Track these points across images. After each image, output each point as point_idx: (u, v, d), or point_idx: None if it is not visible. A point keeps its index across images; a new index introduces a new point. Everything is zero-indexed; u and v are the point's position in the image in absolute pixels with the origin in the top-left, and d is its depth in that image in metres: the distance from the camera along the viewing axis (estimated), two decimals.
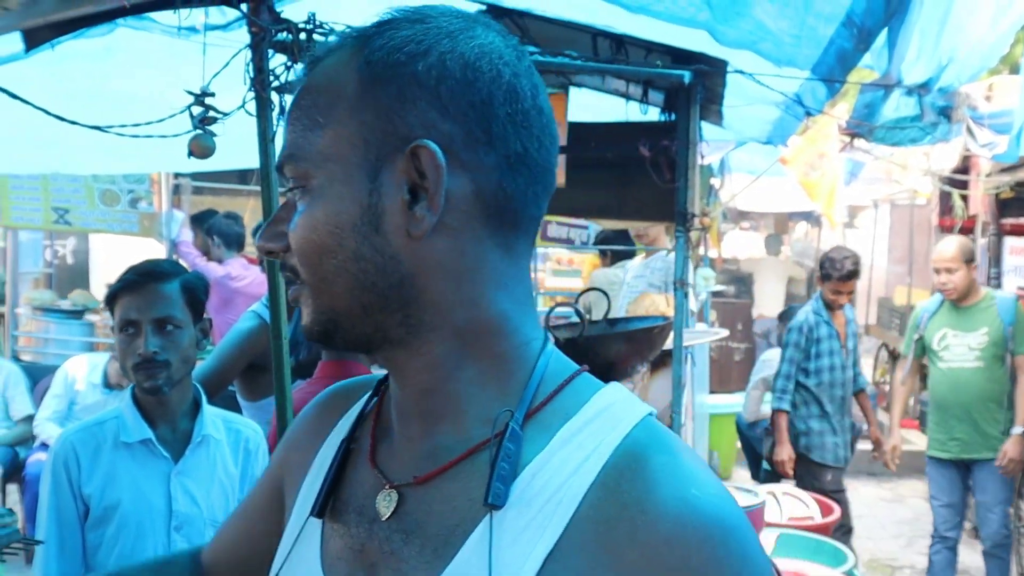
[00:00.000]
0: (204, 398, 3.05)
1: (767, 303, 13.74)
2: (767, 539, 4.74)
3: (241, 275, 7.97)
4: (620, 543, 1.02)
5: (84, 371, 6.97)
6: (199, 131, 2.45)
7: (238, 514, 1.53)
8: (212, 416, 3.03)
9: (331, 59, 1.15)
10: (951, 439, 6.67)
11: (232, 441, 3.04)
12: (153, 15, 3.70)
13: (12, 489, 7.86)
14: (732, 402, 10.07)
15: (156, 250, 8.74)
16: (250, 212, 9.73)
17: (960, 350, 6.65)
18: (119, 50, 4.42)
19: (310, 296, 1.15)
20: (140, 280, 2.90)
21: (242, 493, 3.01)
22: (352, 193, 1.10)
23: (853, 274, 6.78)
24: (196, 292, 2.95)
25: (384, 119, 1.10)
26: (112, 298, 2.93)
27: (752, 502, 4.32)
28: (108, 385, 6.92)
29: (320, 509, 1.23)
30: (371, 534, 1.17)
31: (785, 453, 6.83)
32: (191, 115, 2.46)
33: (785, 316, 9.28)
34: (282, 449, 1.45)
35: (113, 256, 12.25)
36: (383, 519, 1.16)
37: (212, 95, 2.44)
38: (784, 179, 11.35)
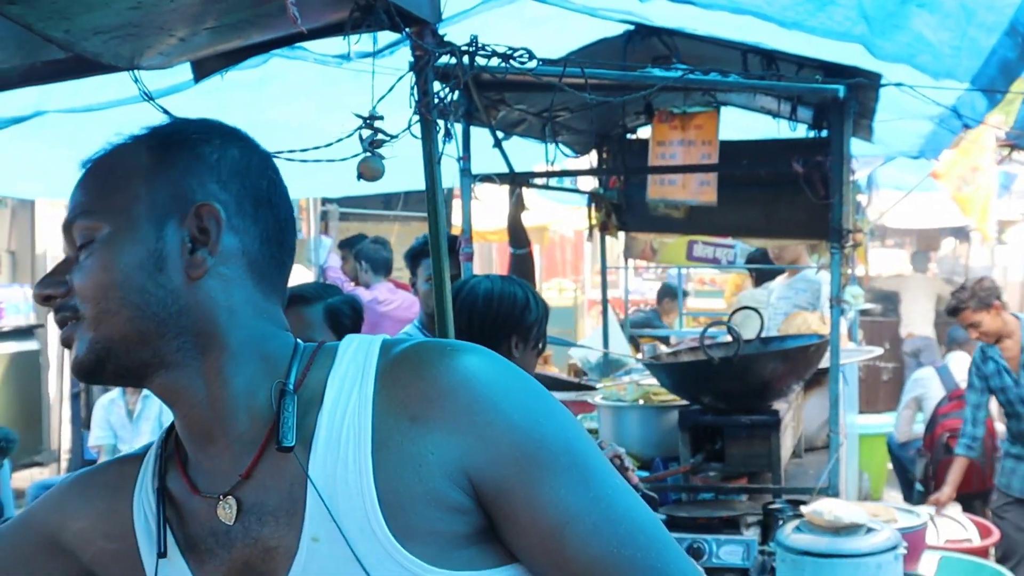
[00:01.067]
0: None
1: (916, 321, 13.37)
2: (929, 562, 4.61)
3: (388, 299, 8.06)
4: (420, 410, 1.29)
5: None
6: (368, 154, 2.49)
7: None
8: None
9: (118, 145, 1.41)
10: None
11: None
12: (306, 44, 3.78)
13: None
14: (881, 422, 9.81)
15: (305, 276, 8.90)
16: (395, 237, 9.86)
17: None
18: (273, 80, 4.55)
19: (88, 330, 1.33)
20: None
21: None
22: (139, 240, 1.34)
23: (954, 311, 6.30)
24: (340, 316, 3.00)
25: (171, 184, 1.36)
26: None
27: (914, 523, 4.21)
28: None
29: (164, 549, 1.40)
30: (230, 541, 1.37)
31: (946, 496, 6.56)
32: (360, 138, 2.50)
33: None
34: (55, 512, 1.56)
35: None
36: (231, 524, 1.36)
37: (380, 118, 2.48)
38: (931, 194, 11.10)
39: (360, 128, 2.46)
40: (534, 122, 5.08)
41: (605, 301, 7.06)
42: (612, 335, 6.92)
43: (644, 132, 5.74)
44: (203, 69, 2.59)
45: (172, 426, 1.48)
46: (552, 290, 16.33)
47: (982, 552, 5.78)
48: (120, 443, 8.07)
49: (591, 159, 6.22)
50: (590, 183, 6.25)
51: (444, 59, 2.65)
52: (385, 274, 8.32)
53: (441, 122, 2.66)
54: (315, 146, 2.54)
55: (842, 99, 4.10)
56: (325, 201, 9.33)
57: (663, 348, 7.87)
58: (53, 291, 1.36)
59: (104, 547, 1.50)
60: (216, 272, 1.36)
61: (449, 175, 4.59)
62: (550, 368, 9.91)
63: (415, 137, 2.61)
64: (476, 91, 4.18)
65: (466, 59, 2.68)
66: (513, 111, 4.66)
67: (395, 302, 8.02)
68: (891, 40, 3.54)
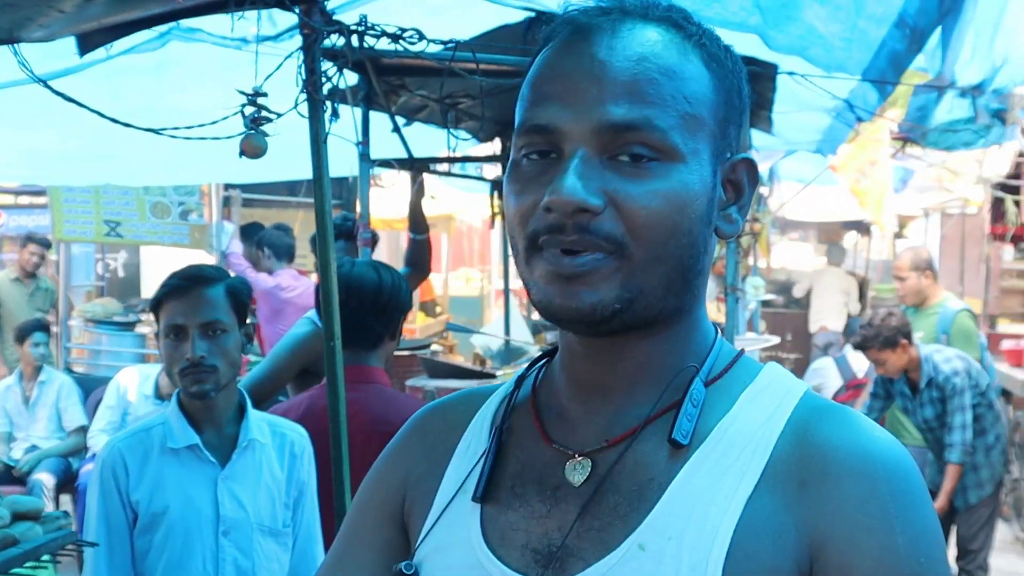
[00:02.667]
0: (249, 402, 3.04)
1: (828, 315, 13.57)
2: None
3: (291, 286, 8.00)
4: (813, 477, 1.13)
5: (136, 382, 7.02)
6: (251, 131, 2.45)
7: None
8: (257, 420, 3.02)
9: (664, 34, 1.17)
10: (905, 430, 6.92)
11: (278, 445, 3.03)
12: (205, 27, 3.72)
13: (65, 500, 7.93)
14: None
15: (207, 262, 8.80)
16: (299, 224, 9.77)
17: None
18: (172, 64, 4.47)
19: (625, 273, 1.13)
20: (186, 285, 2.90)
21: (288, 497, 3.00)
22: (705, 181, 1.16)
23: (860, 347, 6.38)
24: (241, 296, 2.95)
25: (722, 123, 1.19)
26: (157, 304, 2.92)
27: None
28: (159, 396, 6.94)
29: (484, 494, 1.25)
30: (557, 500, 1.21)
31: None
32: (243, 115, 2.47)
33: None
34: (388, 467, 1.41)
35: (164, 268, 12.35)
36: (576, 487, 1.20)
37: (265, 95, 2.45)
38: (833, 188, 11.26)
39: (244, 106, 2.43)
40: (436, 108, 5.06)
41: (507, 290, 7.09)
42: (515, 323, 6.95)
43: None
44: (87, 43, 2.54)
45: (539, 366, 1.35)
46: (459, 279, 16.32)
47: None
48: (16, 430, 7.94)
49: (495, 146, 6.22)
50: (497, 171, 6.25)
51: (333, 39, 2.62)
52: (288, 260, 8.25)
53: (329, 102, 2.63)
54: (200, 124, 2.50)
55: None
56: (228, 187, 9.21)
57: None
58: (596, 206, 1.11)
59: (419, 488, 1.35)
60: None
61: (351, 161, 4.57)
62: (455, 357, 9.90)
63: (302, 116, 2.59)
64: (375, 75, 4.15)
65: (356, 39, 2.65)
66: (414, 96, 4.63)
67: (298, 288, 7.96)
68: (784, 32, 3.58)
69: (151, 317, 9.58)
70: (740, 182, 1.23)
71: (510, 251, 6.09)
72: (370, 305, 3.23)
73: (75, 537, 3.20)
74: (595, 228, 1.11)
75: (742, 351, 1.27)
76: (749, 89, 1.26)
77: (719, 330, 1.28)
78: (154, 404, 6.93)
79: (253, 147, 2.46)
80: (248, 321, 3.02)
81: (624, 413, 1.22)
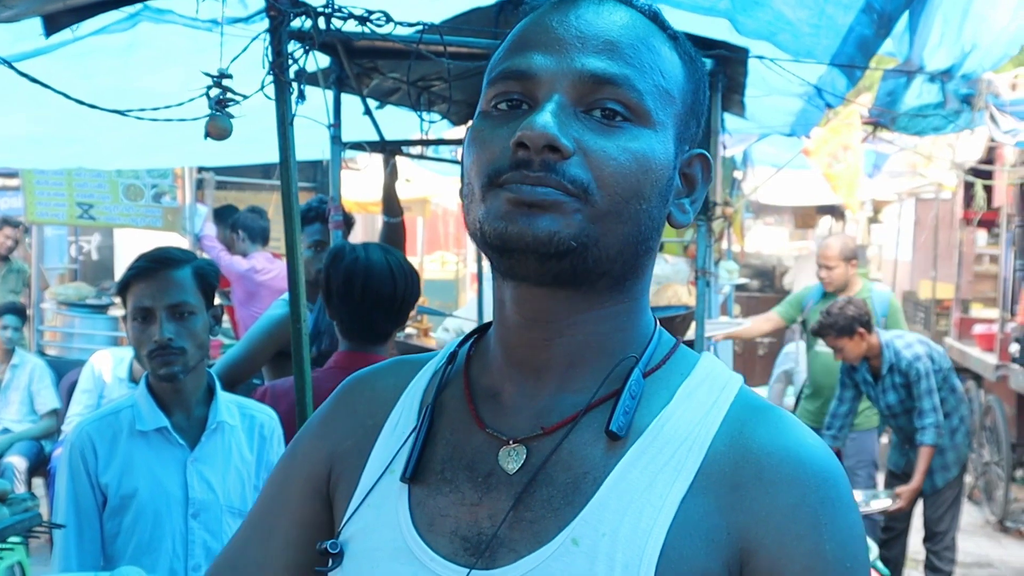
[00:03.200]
0: (218, 384, 3.04)
1: None
2: None
3: (266, 268, 7.98)
4: (746, 481, 1.14)
5: (109, 365, 6.99)
6: (216, 113, 2.45)
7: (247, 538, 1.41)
8: (226, 402, 3.02)
9: (643, 20, 1.20)
10: (822, 415, 7.01)
11: (247, 427, 3.03)
12: (175, 8, 3.71)
13: (38, 483, 7.91)
14: None
15: (180, 244, 8.77)
16: (274, 207, 9.73)
17: None
18: (142, 46, 4.44)
19: (584, 217, 1.12)
20: (152, 267, 2.89)
21: (258, 479, 3.01)
22: (668, 157, 1.18)
23: (817, 333, 6.48)
24: (208, 278, 2.94)
25: (689, 112, 1.22)
26: (124, 287, 2.92)
27: None
28: (133, 379, 6.92)
29: (413, 474, 1.23)
30: (489, 488, 1.19)
31: None
32: (208, 97, 2.46)
33: None
34: (314, 440, 1.39)
35: (138, 251, 12.29)
36: (510, 474, 1.19)
37: (230, 76, 2.45)
38: (807, 172, 11.30)
39: (209, 88, 2.43)
40: (410, 91, 5.05)
41: (480, 272, 7.09)
42: (489, 306, 6.95)
43: None
44: (53, 24, 2.53)
45: (471, 339, 1.33)
46: (434, 263, 16.33)
47: None
48: None
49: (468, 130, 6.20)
50: None
51: (299, 21, 2.62)
52: (262, 243, 8.24)
53: (295, 85, 2.63)
54: (166, 105, 2.50)
55: (709, 72, 4.15)
56: (201, 169, 9.17)
57: None
58: (566, 146, 1.10)
59: (346, 463, 1.33)
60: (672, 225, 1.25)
61: (324, 144, 4.56)
62: (429, 340, 9.91)
63: (268, 98, 2.59)
64: (347, 58, 4.14)
65: (322, 21, 2.65)
66: (386, 79, 4.62)
67: (272, 271, 7.94)
68: (752, 17, 3.60)
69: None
70: (694, 176, 1.24)
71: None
72: (387, 306, 3.25)
73: (40, 519, 3.20)
74: (562, 169, 1.11)
75: (679, 342, 1.27)
76: (709, 94, 1.30)
77: (658, 325, 1.27)
78: (128, 387, 6.90)
79: (218, 129, 2.45)
80: (217, 303, 3.02)
81: (560, 399, 1.21)
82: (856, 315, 6.13)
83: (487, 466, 1.20)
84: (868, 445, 7.12)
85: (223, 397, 3.02)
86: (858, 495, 6.50)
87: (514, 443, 1.20)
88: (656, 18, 1.22)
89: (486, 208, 1.14)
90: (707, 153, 1.26)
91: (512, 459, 1.20)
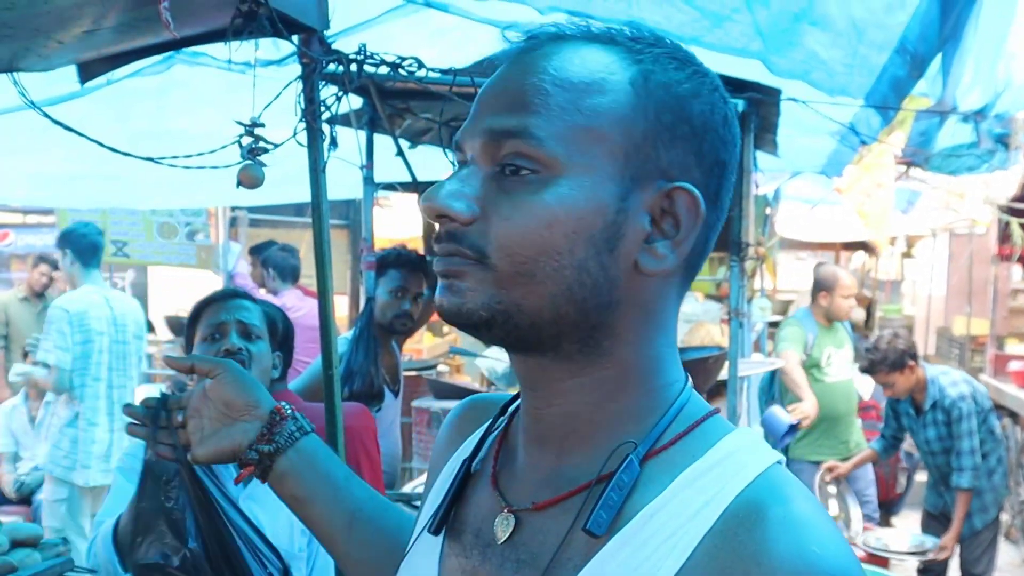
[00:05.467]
0: None
1: None
2: None
3: (296, 306, 7.99)
4: None
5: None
6: (248, 161, 2.46)
7: None
8: None
9: (590, 52, 1.10)
10: (841, 443, 7.22)
11: None
12: (209, 51, 3.75)
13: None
14: None
15: (213, 282, 8.82)
16: (306, 245, 9.78)
17: (841, 364, 7.33)
18: (176, 88, 4.49)
19: (491, 284, 1.07)
20: (227, 294, 3.05)
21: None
22: (599, 202, 1.06)
23: (868, 371, 6.46)
24: (275, 320, 3.06)
25: (649, 144, 1.08)
26: (196, 315, 3.00)
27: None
28: None
29: (437, 526, 1.23)
30: (485, 558, 1.17)
31: (844, 468, 7.10)
32: (240, 145, 2.48)
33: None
34: (432, 454, 1.45)
35: (171, 288, 12.38)
36: (499, 543, 1.15)
37: (262, 126, 2.46)
38: (838, 208, 11.26)
39: (242, 136, 2.44)
40: (443, 131, 5.07)
41: None
42: None
43: None
44: (88, 72, 2.56)
45: (516, 398, 1.28)
46: None
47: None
48: (21, 450, 7.93)
49: None
50: None
51: (332, 67, 2.64)
52: (293, 281, 8.26)
53: (327, 128, 2.64)
54: (198, 152, 2.52)
55: (742, 113, 4.15)
56: (235, 208, 9.24)
57: None
58: (459, 213, 1.08)
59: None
60: (666, 277, 1.12)
61: (357, 183, 4.58)
62: (463, 378, 9.91)
63: (301, 145, 2.60)
64: (379, 99, 4.16)
65: (353, 67, 2.67)
66: (419, 119, 4.64)
67: (303, 309, 7.95)
68: (786, 57, 3.58)
69: (157, 337, 9.52)
70: (675, 214, 1.10)
71: None
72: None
73: (72, 564, 3.21)
74: (462, 236, 1.08)
75: (711, 411, 1.16)
76: (728, 117, 1.14)
77: (688, 387, 1.17)
78: None
79: (250, 178, 2.47)
80: (276, 352, 3.11)
81: (558, 471, 1.15)
82: (906, 348, 6.10)
83: (488, 534, 1.18)
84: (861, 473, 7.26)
85: None
86: (904, 538, 6.48)
87: (508, 511, 1.17)
88: (615, 41, 1.12)
89: None
90: (689, 187, 1.09)
91: (502, 527, 1.16)
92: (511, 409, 1.30)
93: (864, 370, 6.38)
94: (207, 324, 2.96)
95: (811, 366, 7.12)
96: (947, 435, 6.18)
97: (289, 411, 1.64)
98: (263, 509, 2.92)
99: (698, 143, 1.10)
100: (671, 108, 1.09)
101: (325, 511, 1.59)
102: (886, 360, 6.10)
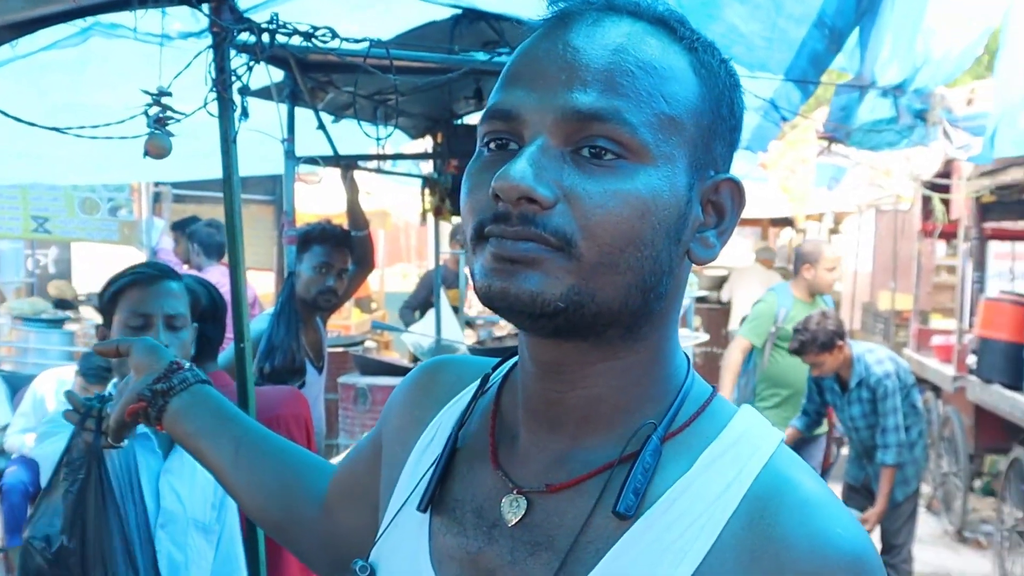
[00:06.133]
0: None
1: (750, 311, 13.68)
2: None
3: (221, 282, 7.86)
4: (765, 574, 1.00)
5: (53, 388, 6.88)
6: (155, 131, 2.42)
7: (351, 460, 1.52)
8: None
9: (653, 32, 1.07)
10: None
11: None
12: (126, 23, 3.67)
13: None
14: None
15: (137, 258, 8.70)
16: None
17: None
18: (95, 61, 4.40)
19: (571, 274, 1.02)
20: (154, 275, 2.90)
21: (215, 496, 2.97)
22: (677, 192, 1.05)
23: (798, 352, 6.43)
24: (197, 295, 3.00)
25: (707, 134, 1.08)
26: (117, 294, 2.90)
27: None
28: None
29: (426, 504, 1.19)
30: (491, 539, 1.13)
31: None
32: (147, 115, 2.43)
33: None
34: (387, 413, 1.42)
35: (95, 264, 12.21)
36: (509, 525, 1.12)
37: (169, 95, 2.42)
38: (766, 184, 11.36)
39: (149, 106, 2.40)
40: (366, 104, 5.02)
41: (438, 286, 7.06)
42: (446, 320, 6.92)
43: (476, 118, 5.73)
44: None
45: (509, 368, 1.26)
46: (395, 275, 16.29)
47: None
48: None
49: (428, 143, 6.18)
50: (429, 167, 6.22)
51: (245, 36, 2.59)
52: (218, 257, 8.17)
53: (238, 98, 2.60)
54: (106, 123, 2.47)
55: None
56: (158, 183, 9.12)
57: (497, 333, 7.93)
58: (544, 197, 1.01)
59: (388, 463, 1.34)
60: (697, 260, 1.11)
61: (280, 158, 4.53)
62: (391, 354, 9.89)
63: (212, 116, 2.56)
64: (300, 72, 4.11)
65: (266, 37, 2.63)
66: (342, 93, 4.60)
67: (227, 285, 7.87)
68: (705, 30, 3.56)
69: (79, 314, 9.34)
70: (722, 204, 1.11)
71: (442, 248, 5.98)
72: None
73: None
74: (543, 221, 1.01)
75: (714, 392, 1.16)
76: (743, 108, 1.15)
77: (690, 370, 1.17)
78: None
79: (157, 147, 2.42)
80: (193, 324, 3.06)
81: (572, 454, 1.13)
82: (836, 328, 6.16)
83: (493, 514, 1.14)
84: (815, 452, 7.18)
85: None
86: None
87: (517, 492, 1.13)
88: (667, 24, 1.08)
89: (477, 263, 1.06)
90: (735, 178, 1.11)
91: (512, 509, 1.13)
92: (496, 379, 1.27)
93: (794, 351, 6.41)
94: (131, 311, 2.86)
95: (783, 338, 7.13)
96: (872, 412, 6.25)
97: (188, 365, 1.68)
98: (182, 482, 2.91)
99: (735, 134, 1.12)
100: (725, 100, 1.10)
101: (213, 443, 1.60)
102: (816, 341, 6.15)
